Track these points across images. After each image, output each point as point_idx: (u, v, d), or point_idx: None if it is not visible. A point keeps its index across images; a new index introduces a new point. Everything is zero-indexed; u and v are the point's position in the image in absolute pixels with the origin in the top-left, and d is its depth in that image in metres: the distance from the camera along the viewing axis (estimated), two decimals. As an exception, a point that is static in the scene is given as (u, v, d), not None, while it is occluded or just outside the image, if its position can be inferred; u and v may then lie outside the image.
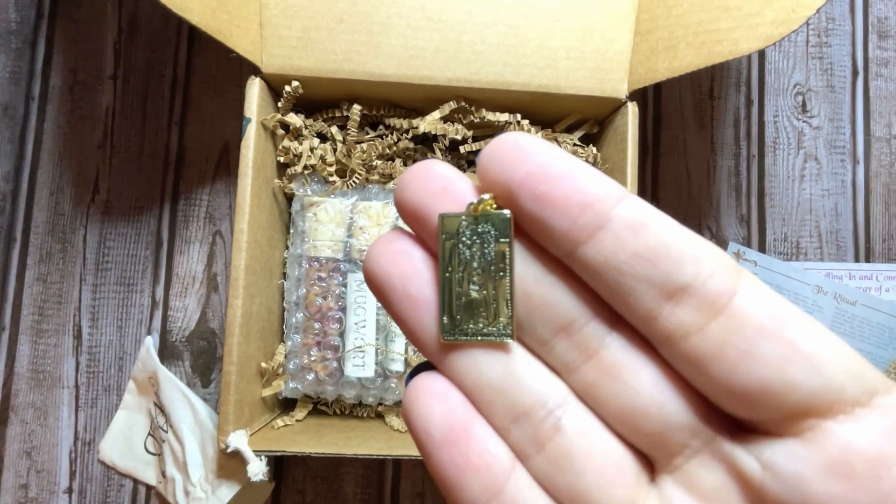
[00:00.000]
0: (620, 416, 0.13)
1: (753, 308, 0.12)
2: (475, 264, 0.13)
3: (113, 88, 0.47)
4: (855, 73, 0.50)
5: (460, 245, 0.13)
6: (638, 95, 0.39)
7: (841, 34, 0.51)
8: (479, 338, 0.13)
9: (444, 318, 0.13)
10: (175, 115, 0.47)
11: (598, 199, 0.12)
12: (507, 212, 0.13)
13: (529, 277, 0.13)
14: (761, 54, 0.50)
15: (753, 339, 0.11)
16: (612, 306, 0.13)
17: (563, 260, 0.13)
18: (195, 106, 0.48)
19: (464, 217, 0.13)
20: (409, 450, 0.34)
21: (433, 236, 0.13)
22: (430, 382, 0.14)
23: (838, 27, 0.51)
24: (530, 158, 0.12)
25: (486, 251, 0.13)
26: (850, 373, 0.11)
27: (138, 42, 0.48)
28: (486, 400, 0.13)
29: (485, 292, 0.13)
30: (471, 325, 0.13)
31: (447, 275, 0.13)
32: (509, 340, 0.13)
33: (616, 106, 0.39)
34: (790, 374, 0.11)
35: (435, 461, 0.13)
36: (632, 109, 0.38)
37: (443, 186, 0.13)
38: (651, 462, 0.13)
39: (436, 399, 0.13)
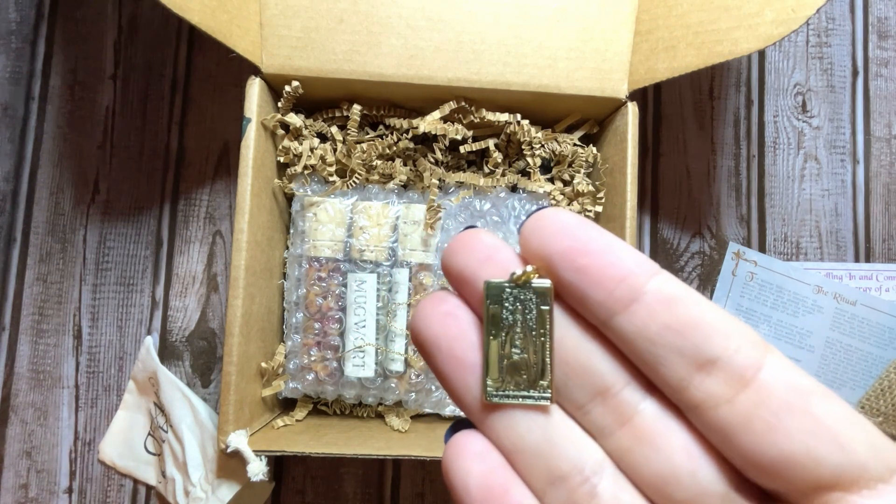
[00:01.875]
0: (654, 482, 0.13)
1: (779, 382, 0.12)
2: (517, 329, 0.14)
3: (113, 88, 0.47)
4: (855, 73, 0.50)
5: (504, 310, 0.14)
6: (638, 95, 0.39)
7: (841, 34, 0.51)
8: (521, 400, 0.14)
9: (488, 379, 0.14)
10: (175, 115, 0.47)
11: (633, 273, 0.13)
12: (548, 281, 0.14)
13: (568, 343, 0.14)
14: (761, 54, 0.50)
15: (779, 413, 0.12)
16: (645, 374, 0.13)
17: (599, 328, 0.14)
18: (195, 106, 0.48)
19: (507, 284, 0.14)
20: (409, 450, 0.34)
21: (477, 300, 0.14)
22: (470, 441, 0.14)
23: (838, 27, 0.51)
24: (570, 233, 0.13)
25: (528, 317, 0.14)
26: (873, 450, 0.12)
27: (138, 42, 0.48)
28: (524, 462, 0.14)
29: (525, 356, 0.14)
30: (512, 388, 0.14)
31: (491, 338, 0.14)
32: (549, 403, 0.14)
33: (616, 106, 0.39)
34: (815, 449, 0.12)
35: None
36: (632, 109, 0.38)
37: (488, 255, 0.14)
38: None
39: (476, 458, 0.14)
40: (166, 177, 0.47)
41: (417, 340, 0.15)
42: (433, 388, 0.41)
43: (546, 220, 0.14)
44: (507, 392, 0.14)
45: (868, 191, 0.49)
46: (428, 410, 0.41)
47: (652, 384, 0.13)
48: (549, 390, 0.14)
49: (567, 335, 0.14)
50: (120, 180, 0.47)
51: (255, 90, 0.37)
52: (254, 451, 0.34)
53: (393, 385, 0.39)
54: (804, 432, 0.12)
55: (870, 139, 0.50)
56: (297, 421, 0.40)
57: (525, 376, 0.14)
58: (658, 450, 0.13)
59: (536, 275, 0.14)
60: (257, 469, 0.33)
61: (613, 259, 0.13)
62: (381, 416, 0.42)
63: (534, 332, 0.14)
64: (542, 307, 0.14)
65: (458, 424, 0.15)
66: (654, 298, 0.13)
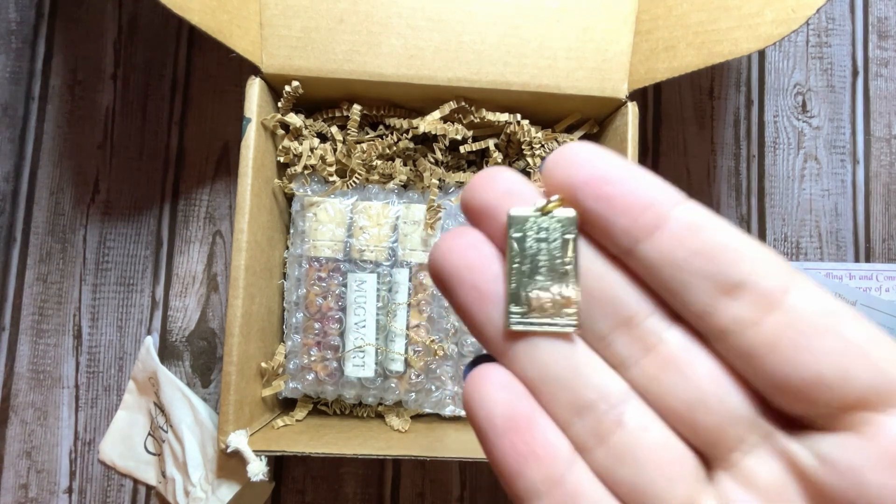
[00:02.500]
0: (680, 409, 0.13)
1: (807, 304, 0.12)
2: (542, 257, 0.14)
3: (113, 88, 0.47)
4: (855, 73, 0.50)
5: (527, 239, 0.14)
6: (638, 95, 0.39)
7: (841, 34, 0.51)
8: (545, 327, 0.14)
9: (511, 306, 0.14)
10: (175, 115, 0.47)
11: (658, 200, 0.13)
12: (572, 210, 0.14)
13: (592, 273, 0.14)
14: (761, 54, 0.50)
15: (808, 333, 0.12)
16: (669, 303, 0.13)
17: (622, 258, 0.13)
18: (195, 106, 0.48)
19: (531, 214, 0.14)
20: (409, 450, 0.34)
21: (499, 233, 0.14)
22: (492, 372, 0.14)
23: (838, 27, 0.51)
24: (594, 163, 0.13)
25: (552, 245, 0.14)
26: None
27: (138, 42, 0.48)
28: (548, 392, 0.14)
29: (549, 284, 0.14)
30: (536, 315, 0.14)
31: (514, 266, 0.14)
32: (574, 330, 0.14)
33: (616, 106, 0.39)
34: (844, 367, 0.12)
35: (496, 449, 0.13)
36: (632, 109, 0.38)
37: (509, 188, 0.14)
38: (707, 460, 0.13)
39: (499, 388, 0.14)
40: (166, 177, 0.47)
41: (437, 274, 0.15)
42: (433, 388, 0.41)
43: (569, 151, 0.14)
44: (530, 320, 0.14)
45: (868, 191, 0.49)
46: (428, 410, 0.41)
47: (676, 313, 0.13)
48: (575, 318, 0.14)
49: (590, 265, 0.14)
50: (120, 180, 0.47)
51: (255, 90, 0.37)
52: (254, 451, 0.34)
53: (393, 385, 0.39)
54: (833, 352, 0.12)
55: (870, 139, 0.50)
56: (297, 421, 0.40)
57: (549, 305, 0.14)
58: (684, 377, 0.13)
59: (560, 203, 0.14)
60: (257, 469, 0.33)
61: (638, 186, 0.13)
62: (381, 416, 0.42)
63: (558, 261, 0.14)
64: (567, 236, 0.14)
65: (477, 360, 0.15)
66: (680, 225, 0.13)
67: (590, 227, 0.14)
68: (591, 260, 0.14)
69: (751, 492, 0.13)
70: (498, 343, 0.14)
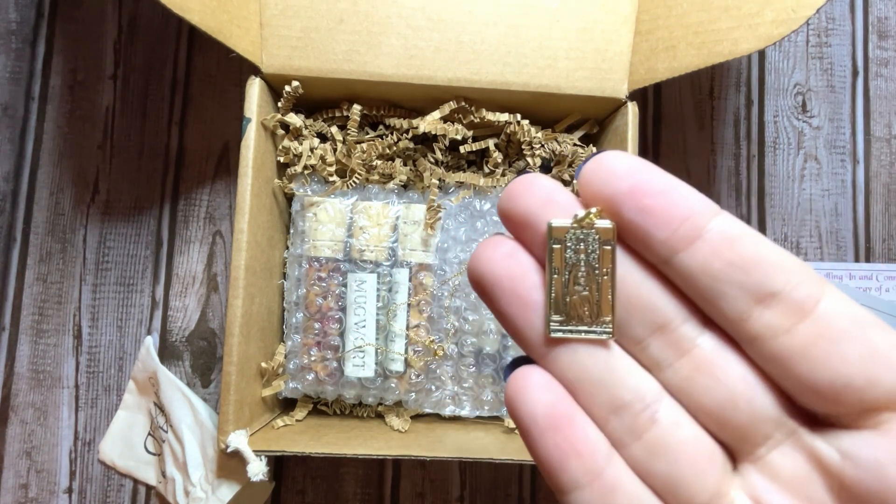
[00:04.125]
0: (712, 408, 0.14)
1: (837, 313, 0.13)
2: (581, 268, 0.15)
3: (113, 88, 0.47)
4: (855, 73, 0.50)
5: (567, 250, 0.15)
6: (638, 95, 0.39)
7: (841, 34, 0.50)
8: (583, 335, 0.15)
9: (552, 315, 0.15)
10: (175, 115, 0.47)
11: (696, 212, 0.13)
12: (609, 222, 0.14)
13: (630, 281, 0.15)
14: (761, 54, 0.50)
15: (838, 340, 0.13)
16: (702, 310, 0.14)
17: (659, 267, 0.14)
18: (195, 106, 0.48)
19: (571, 225, 0.15)
20: (409, 450, 0.34)
21: (538, 242, 0.15)
22: (533, 374, 0.15)
23: (838, 27, 0.51)
24: (634, 174, 0.14)
25: (591, 256, 0.15)
26: None
27: (138, 42, 0.48)
28: (586, 393, 0.15)
29: (588, 293, 0.15)
30: (575, 323, 0.15)
31: (554, 276, 0.15)
32: (610, 337, 0.15)
33: (616, 106, 0.39)
34: (871, 372, 0.12)
35: (540, 445, 0.14)
36: (632, 109, 0.38)
37: (548, 197, 0.15)
38: (733, 454, 0.14)
39: (540, 388, 0.15)
40: (166, 177, 0.47)
41: (478, 282, 0.15)
42: (433, 388, 0.41)
43: (608, 162, 0.14)
44: (570, 327, 0.15)
45: (868, 191, 0.49)
46: (428, 410, 0.41)
47: (709, 320, 0.14)
48: (612, 325, 0.15)
49: (628, 274, 0.15)
50: (120, 180, 0.47)
51: (255, 90, 0.37)
52: (254, 451, 0.34)
53: (393, 385, 0.39)
54: (861, 358, 0.12)
55: (870, 139, 0.50)
56: (297, 421, 0.40)
57: (588, 313, 0.15)
58: (716, 378, 0.14)
59: (599, 216, 0.14)
60: (257, 469, 0.33)
61: (677, 199, 0.14)
62: (381, 416, 0.42)
63: (596, 271, 0.15)
64: (605, 247, 0.14)
65: (517, 362, 0.16)
66: (717, 236, 0.13)
67: (628, 237, 0.14)
68: (628, 269, 0.15)
69: (776, 483, 0.14)
70: (538, 347, 0.15)
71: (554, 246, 0.15)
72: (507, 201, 0.15)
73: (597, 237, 0.15)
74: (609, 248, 0.15)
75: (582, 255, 0.15)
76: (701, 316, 0.14)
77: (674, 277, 0.14)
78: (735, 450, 0.14)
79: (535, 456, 0.15)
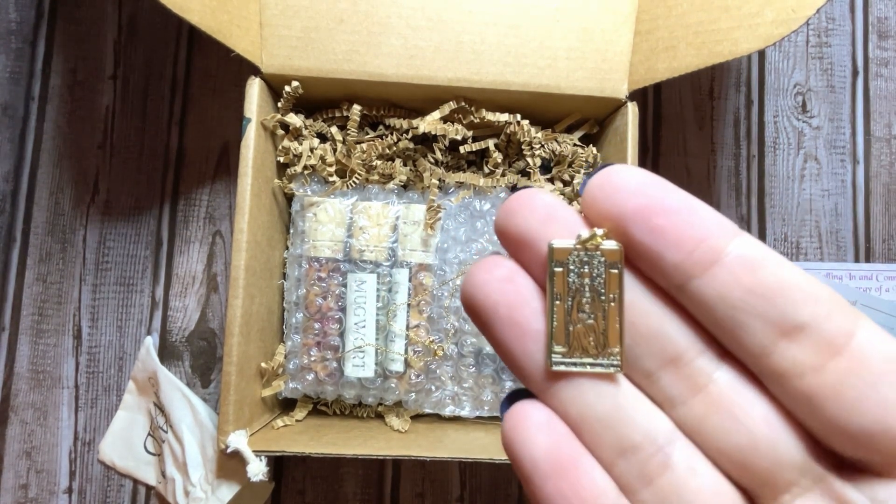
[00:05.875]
0: (731, 452, 0.13)
1: (872, 349, 0.12)
2: (586, 293, 0.13)
3: (113, 88, 0.47)
4: (855, 73, 0.50)
5: (570, 274, 0.13)
6: (638, 95, 0.39)
7: (841, 34, 0.50)
8: (588, 367, 0.13)
9: (553, 346, 0.13)
10: (175, 115, 0.47)
11: (713, 233, 0.12)
12: (616, 243, 0.13)
13: (638, 309, 0.13)
14: (761, 54, 0.50)
15: (874, 382, 0.11)
16: (720, 341, 0.13)
17: (671, 293, 0.13)
18: (195, 106, 0.48)
19: (574, 246, 0.13)
20: (409, 450, 0.34)
21: (537, 264, 0.14)
22: (532, 411, 0.14)
23: (838, 27, 0.51)
24: (644, 191, 0.13)
25: (596, 281, 0.13)
26: None
27: (138, 42, 0.48)
28: (592, 432, 0.13)
29: (593, 322, 0.13)
30: (579, 355, 0.13)
31: (556, 303, 0.13)
32: (619, 371, 0.13)
33: (616, 106, 0.39)
34: None
35: (541, 492, 0.13)
36: (632, 109, 0.38)
37: (549, 215, 0.13)
38: (754, 501, 0.13)
39: (541, 429, 0.13)
40: (166, 177, 0.47)
41: (472, 308, 0.14)
42: (433, 388, 0.41)
43: (616, 177, 0.13)
44: (573, 359, 0.13)
45: (868, 191, 0.49)
46: (428, 410, 0.41)
47: (726, 353, 0.13)
48: (619, 357, 0.13)
49: (636, 300, 0.13)
50: (120, 180, 0.47)
51: (255, 90, 0.37)
52: (254, 451, 0.34)
53: (393, 385, 0.39)
54: None
55: (870, 139, 0.50)
56: (297, 421, 0.40)
57: (593, 343, 0.13)
58: (735, 419, 0.13)
59: (604, 237, 0.13)
60: (257, 469, 0.33)
61: (692, 219, 0.12)
62: (381, 416, 0.42)
63: (602, 297, 0.13)
64: (612, 270, 0.13)
65: (515, 395, 0.14)
66: (737, 260, 0.12)
67: (637, 260, 0.13)
68: (637, 295, 0.13)
69: None
70: (539, 381, 0.14)
71: (555, 269, 0.13)
72: (504, 218, 0.14)
73: (603, 260, 0.13)
74: (616, 271, 0.13)
75: (586, 280, 0.13)
76: (718, 348, 0.13)
77: (688, 305, 0.13)
78: (756, 496, 0.13)
79: (534, 502, 0.13)
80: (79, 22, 0.48)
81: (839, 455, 0.12)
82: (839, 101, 0.50)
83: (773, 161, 0.49)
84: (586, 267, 0.13)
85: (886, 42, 0.50)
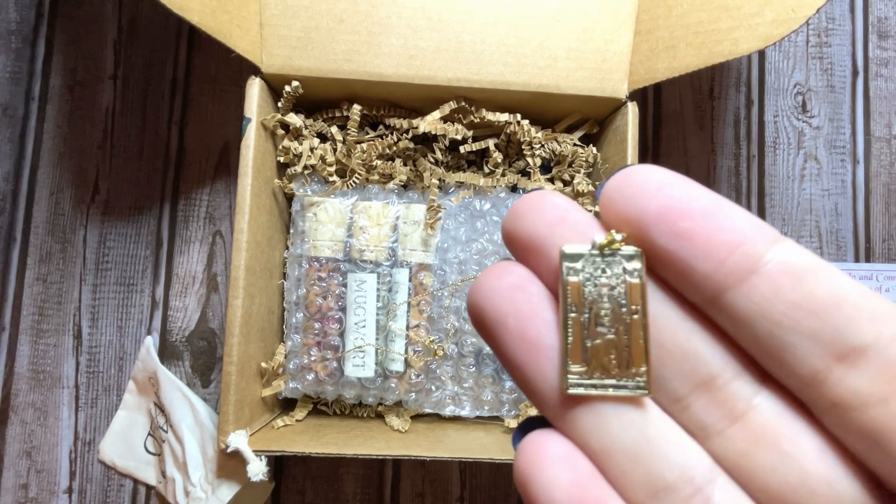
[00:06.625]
0: (779, 493, 0.11)
1: None
2: (604, 305, 0.12)
3: (113, 88, 0.47)
4: (855, 73, 0.50)
5: (586, 283, 0.12)
6: (638, 95, 0.39)
7: (841, 34, 0.51)
8: (611, 391, 0.12)
9: (569, 365, 0.12)
10: (175, 115, 0.47)
11: (749, 239, 0.11)
12: (637, 249, 0.12)
13: (664, 324, 0.12)
14: (761, 54, 0.50)
15: None
16: (760, 363, 0.11)
17: (702, 307, 0.11)
18: (195, 106, 0.48)
19: (588, 251, 0.12)
20: (409, 450, 0.34)
21: (549, 271, 0.12)
22: (550, 445, 0.12)
23: (838, 27, 0.51)
24: (668, 191, 0.11)
25: (616, 291, 0.12)
26: None
27: (138, 42, 0.48)
28: (618, 469, 0.11)
29: (614, 337, 0.12)
30: (599, 376, 0.12)
31: (571, 315, 0.12)
32: (646, 394, 0.12)
33: (616, 106, 0.39)
34: None
35: None
36: (632, 109, 0.38)
37: (561, 217, 0.12)
38: None
39: (561, 465, 0.11)
40: (166, 177, 0.47)
41: (478, 319, 0.12)
42: (433, 388, 0.41)
43: (637, 176, 0.11)
44: (593, 381, 0.12)
45: (868, 191, 0.49)
46: (428, 410, 0.41)
47: (767, 376, 0.11)
48: (646, 379, 0.11)
49: (661, 314, 0.12)
50: (120, 180, 0.47)
51: (255, 90, 0.37)
52: (254, 451, 0.34)
53: (393, 385, 0.39)
54: None
55: (870, 139, 0.50)
56: (297, 421, 0.40)
57: (615, 362, 0.12)
58: (784, 454, 0.11)
59: (624, 242, 0.12)
60: (257, 469, 0.33)
61: (725, 222, 0.11)
62: (381, 416, 0.42)
63: (623, 309, 0.12)
64: (632, 280, 0.12)
65: (530, 423, 0.13)
66: (779, 270, 0.10)
67: (662, 269, 0.12)
68: (663, 308, 0.12)
69: None
70: (554, 405, 0.12)
71: (569, 279, 0.12)
72: (512, 222, 0.12)
73: (623, 267, 0.12)
74: (638, 280, 0.12)
75: (605, 290, 0.12)
76: (757, 371, 0.11)
77: (721, 321, 0.11)
78: None
79: None
80: (79, 22, 0.48)
81: None
82: (839, 101, 0.50)
83: (773, 161, 0.49)
84: (604, 276, 0.12)
85: (886, 42, 0.50)
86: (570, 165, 0.42)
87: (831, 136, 0.50)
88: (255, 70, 0.37)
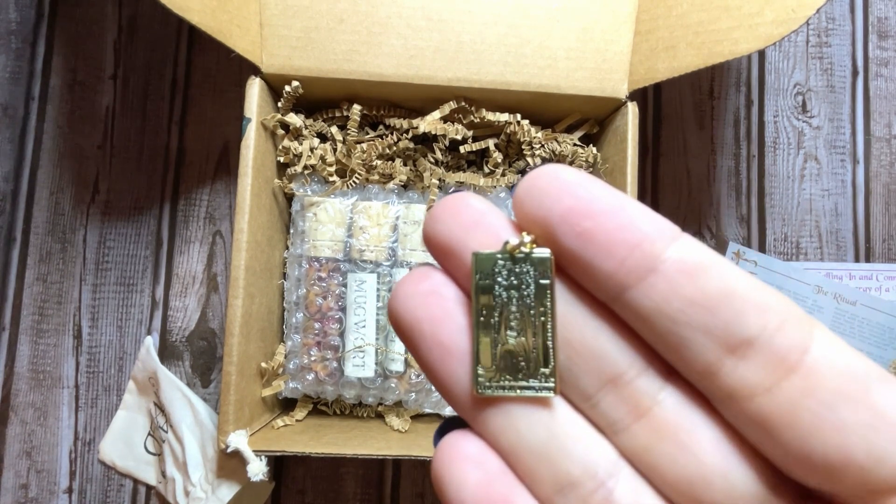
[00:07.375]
0: (679, 484, 0.11)
1: (830, 366, 0.10)
2: (513, 308, 0.12)
3: (113, 88, 0.47)
4: (855, 73, 0.50)
5: (496, 286, 0.12)
6: (638, 95, 0.39)
7: (841, 34, 0.50)
8: (518, 392, 0.12)
9: (479, 368, 0.12)
10: (175, 115, 0.47)
11: (648, 237, 0.11)
12: (547, 251, 0.12)
13: (572, 323, 0.12)
14: (761, 54, 0.50)
15: (832, 404, 0.10)
16: (664, 358, 0.12)
17: (609, 305, 0.12)
18: (195, 106, 0.48)
19: (499, 255, 0.12)
20: (409, 450, 0.34)
21: (465, 274, 0.12)
22: (463, 444, 0.12)
23: (838, 27, 0.51)
24: (572, 191, 0.11)
25: (525, 293, 0.12)
26: None
27: (138, 42, 0.48)
28: (526, 466, 0.12)
29: (523, 339, 0.12)
30: (508, 377, 0.12)
31: (481, 319, 0.12)
32: (552, 395, 0.12)
33: (616, 106, 0.39)
34: (876, 446, 0.10)
35: None
36: (632, 109, 0.38)
37: (475, 220, 0.12)
38: None
39: (470, 464, 0.12)
40: (166, 177, 0.47)
41: (396, 324, 0.13)
42: (433, 388, 0.41)
43: (543, 178, 0.12)
44: (502, 383, 0.12)
45: (868, 191, 0.49)
46: (428, 410, 0.41)
47: (672, 370, 0.12)
48: (553, 379, 0.12)
49: (570, 314, 0.12)
50: (120, 180, 0.47)
51: (255, 90, 0.37)
52: (254, 451, 0.34)
53: (393, 385, 0.39)
54: (863, 426, 0.10)
55: (870, 139, 0.50)
56: (297, 421, 0.40)
57: (523, 363, 0.12)
58: (683, 447, 0.11)
59: (534, 244, 0.12)
60: (257, 469, 0.33)
61: (624, 221, 0.11)
62: (381, 416, 0.42)
63: (532, 312, 0.12)
64: (542, 281, 0.12)
65: (449, 424, 0.13)
66: (676, 268, 0.11)
67: (568, 269, 0.12)
68: (570, 308, 0.12)
69: None
70: (467, 407, 0.12)
71: (480, 281, 0.12)
72: (429, 224, 0.12)
73: (531, 269, 0.12)
74: (546, 282, 0.12)
75: (514, 292, 0.12)
76: (662, 366, 0.12)
77: (627, 318, 0.12)
78: None
79: None
80: (79, 22, 0.48)
81: (800, 485, 0.11)
82: (839, 101, 0.50)
83: (773, 161, 0.49)
84: (514, 278, 0.12)
85: (886, 42, 0.50)
86: (570, 165, 0.42)
87: (831, 136, 0.50)
88: (255, 70, 0.37)
